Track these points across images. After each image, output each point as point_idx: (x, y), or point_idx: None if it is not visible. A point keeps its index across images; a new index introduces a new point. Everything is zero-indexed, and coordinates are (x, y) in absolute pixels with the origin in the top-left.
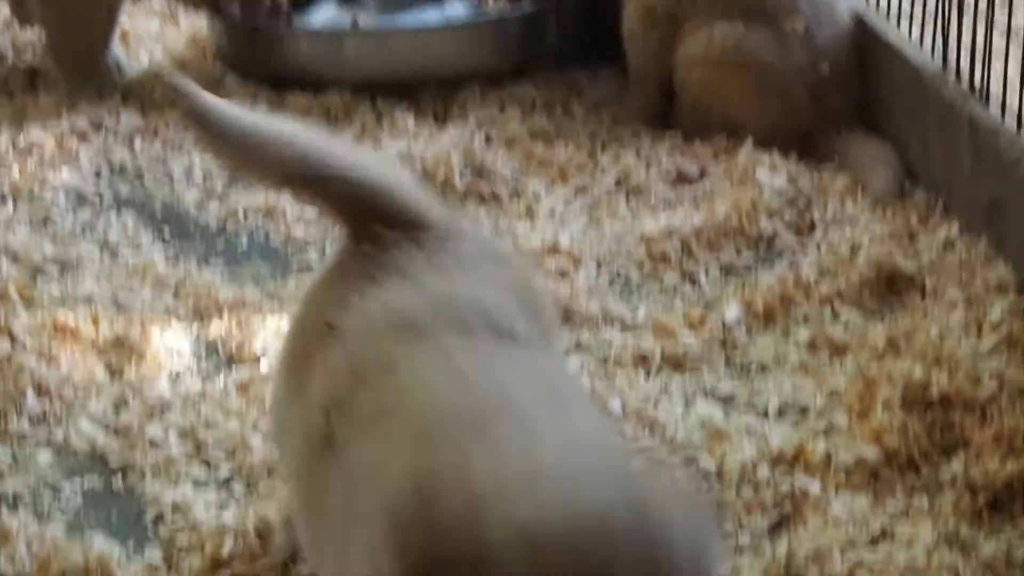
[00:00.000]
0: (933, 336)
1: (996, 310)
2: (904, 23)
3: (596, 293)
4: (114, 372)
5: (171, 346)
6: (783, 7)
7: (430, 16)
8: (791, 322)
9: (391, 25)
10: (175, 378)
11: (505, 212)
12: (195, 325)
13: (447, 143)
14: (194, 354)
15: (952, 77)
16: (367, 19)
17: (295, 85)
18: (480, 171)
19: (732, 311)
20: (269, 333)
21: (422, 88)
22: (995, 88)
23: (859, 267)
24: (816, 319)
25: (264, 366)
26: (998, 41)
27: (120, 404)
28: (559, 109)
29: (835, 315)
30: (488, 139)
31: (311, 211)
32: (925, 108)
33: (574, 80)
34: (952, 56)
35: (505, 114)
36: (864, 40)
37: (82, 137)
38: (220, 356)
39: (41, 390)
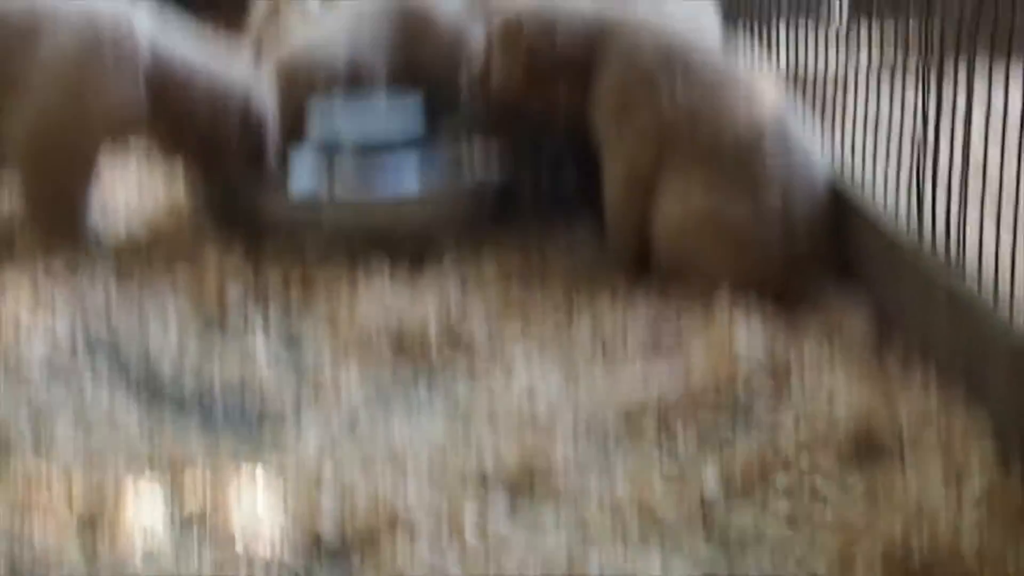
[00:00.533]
0: (912, 504)
1: (976, 478)
2: (879, 192)
3: (572, 460)
4: (87, 551)
5: (146, 523)
6: (760, 176)
7: (406, 169)
8: (770, 492)
9: (368, 194)
10: (150, 557)
11: (481, 363)
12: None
13: (423, 291)
14: (169, 531)
15: (928, 247)
16: (345, 168)
17: (272, 240)
18: (455, 321)
19: (710, 480)
20: (245, 508)
21: (399, 242)
22: (971, 256)
23: (838, 433)
24: (795, 488)
25: (239, 547)
26: (973, 211)
27: None
28: (535, 255)
29: (813, 484)
30: (464, 284)
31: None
32: (902, 278)
33: (551, 224)
34: (927, 226)
35: (483, 261)
36: (839, 209)
37: (58, 281)
38: (195, 534)
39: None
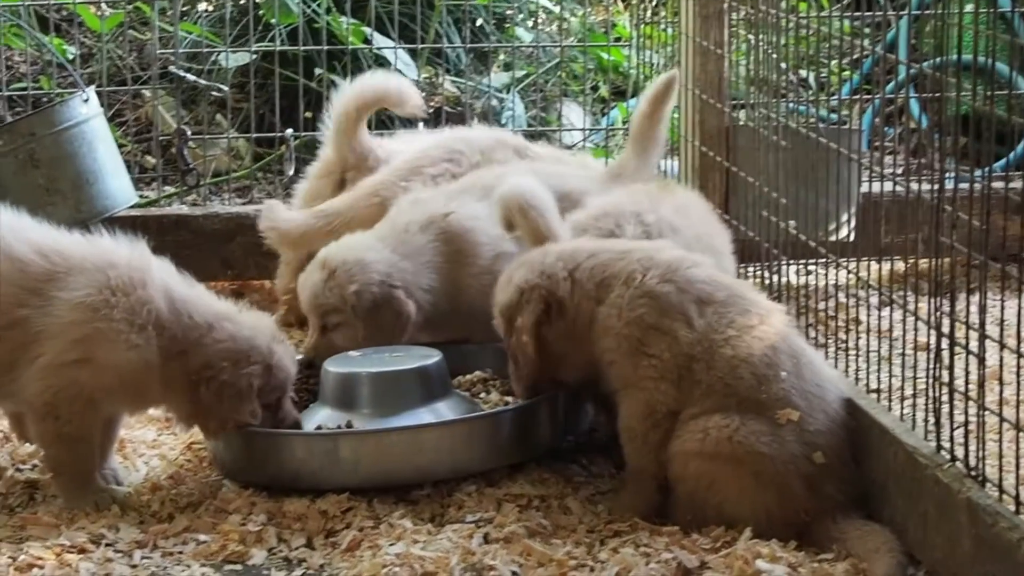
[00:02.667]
0: None
1: None
2: (896, 405)
3: None
4: None
5: None
6: (776, 398)
7: (424, 415)
8: None
9: (387, 426)
10: None
11: None
12: None
13: (446, 544)
14: None
15: (947, 459)
16: (362, 420)
17: (292, 491)
18: (480, 572)
19: None
20: None
21: (418, 490)
22: (991, 468)
23: None
24: None
25: None
26: (991, 419)
27: None
28: (555, 505)
29: None
30: (486, 539)
31: None
32: (922, 491)
33: (569, 473)
34: (946, 437)
35: (502, 512)
36: (857, 424)
37: (82, 552)
38: None
39: None
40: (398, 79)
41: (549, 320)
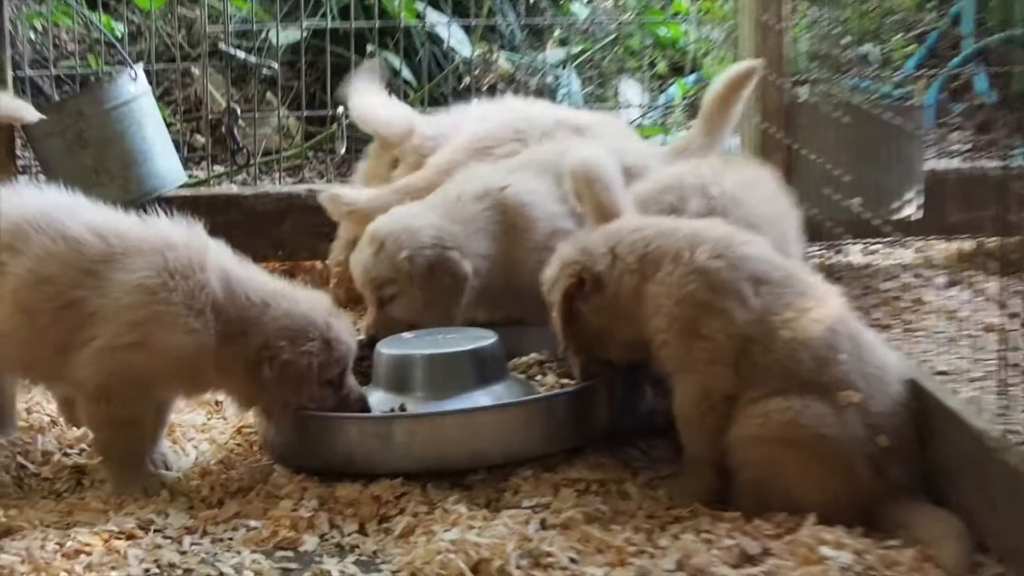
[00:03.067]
0: None
1: None
2: (963, 387)
3: None
4: None
5: None
6: (837, 380)
7: (480, 398)
8: None
9: (441, 409)
10: None
11: None
12: None
13: (502, 530)
14: None
15: (1016, 442)
16: (416, 403)
17: (344, 476)
18: (536, 559)
19: None
20: None
21: (473, 474)
22: None
23: None
24: None
25: None
26: None
27: None
28: (614, 489)
29: None
30: (543, 525)
31: None
32: (990, 476)
33: (628, 458)
34: (1015, 420)
35: (559, 498)
36: (922, 407)
37: (131, 538)
38: None
39: None
40: None
41: (584, 295)
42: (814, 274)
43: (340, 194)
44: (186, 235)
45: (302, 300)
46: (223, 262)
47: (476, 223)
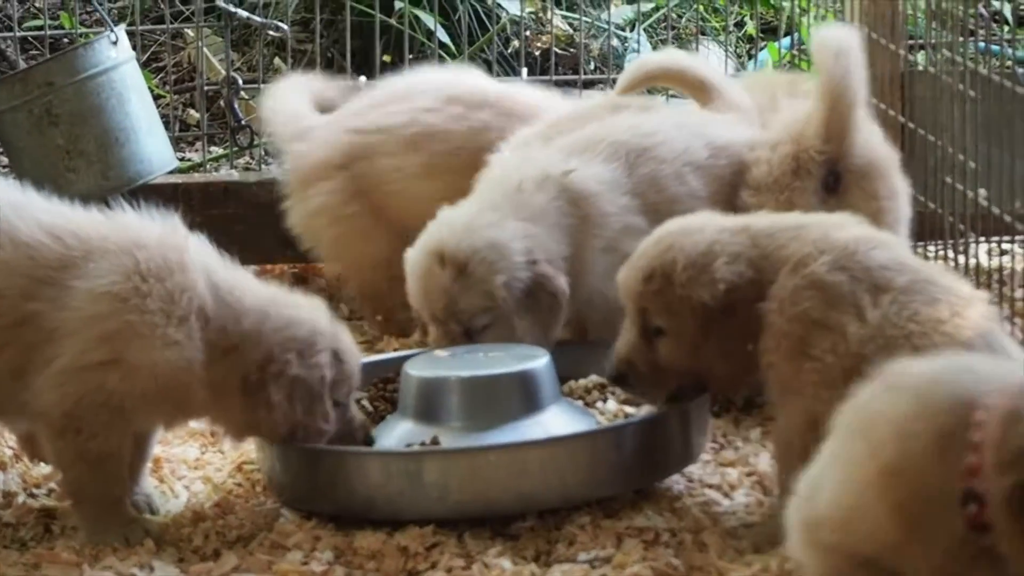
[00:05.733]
0: None
1: None
2: None
3: None
4: None
5: None
6: None
7: (528, 429)
8: None
9: (481, 442)
10: None
11: None
12: None
13: None
14: None
15: None
16: (451, 435)
17: (365, 523)
18: None
19: None
20: None
21: (520, 521)
22: None
23: None
24: None
25: None
26: None
27: None
28: (689, 540)
29: None
30: None
31: None
32: None
33: (707, 501)
34: None
35: (623, 550)
36: None
37: None
38: None
39: None
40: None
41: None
42: (955, 278)
43: None
44: (160, 231)
45: (303, 306)
46: (207, 262)
47: (548, 218)
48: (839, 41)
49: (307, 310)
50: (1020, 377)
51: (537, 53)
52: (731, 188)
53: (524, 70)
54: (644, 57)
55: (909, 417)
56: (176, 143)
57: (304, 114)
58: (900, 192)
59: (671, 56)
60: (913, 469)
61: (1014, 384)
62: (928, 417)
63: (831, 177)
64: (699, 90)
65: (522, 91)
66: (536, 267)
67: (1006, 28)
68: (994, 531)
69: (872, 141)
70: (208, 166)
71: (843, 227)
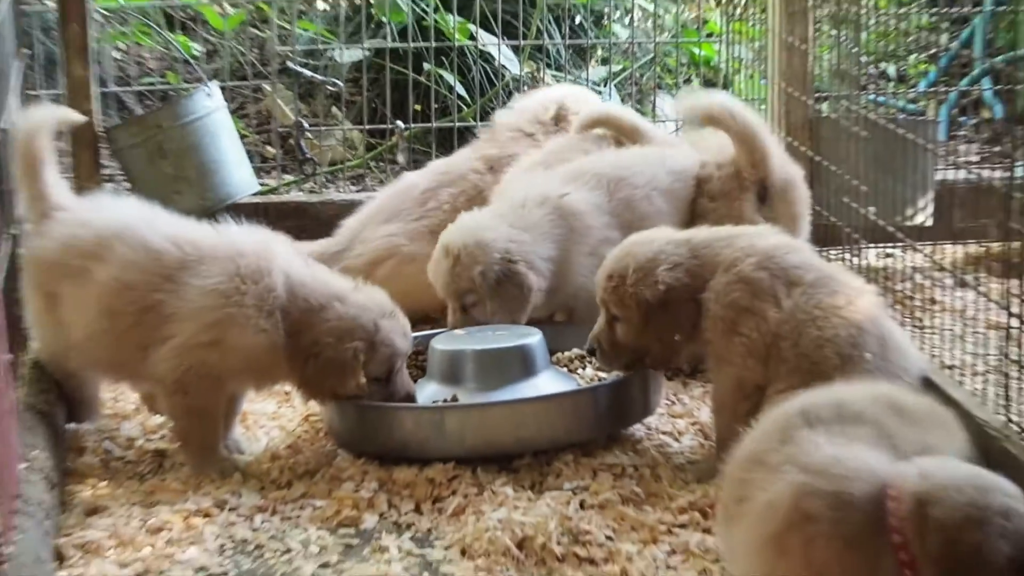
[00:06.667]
0: None
1: None
2: (968, 380)
3: None
4: None
5: None
6: (859, 378)
7: (525, 389)
8: None
9: (489, 399)
10: None
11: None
12: None
13: (544, 510)
14: None
15: (1016, 431)
16: (467, 394)
17: (401, 460)
18: (576, 536)
19: None
20: None
21: (519, 459)
22: None
23: None
24: None
25: None
26: None
27: None
28: (648, 473)
29: None
30: (582, 505)
31: None
32: (991, 462)
33: (661, 444)
34: (1015, 411)
35: (597, 481)
36: (932, 398)
37: (207, 516)
38: None
39: None
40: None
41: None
42: (851, 275)
43: None
44: (255, 242)
45: (355, 303)
46: (288, 266)
47: (540, 228)
48: (719, 106)
49: (356, 307)
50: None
51: None
52: (687, 203)
53: None
54: (592, 107)
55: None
56: (257, 172)
57: None
58: (806, 199)
59: (612, 107)
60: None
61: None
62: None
63: (762, 191)
64: (631, 132)
65: None
66: (510, 264)
67: (890, 84)
68: None
69: (786, 166)
70: (281, 189)
71: (765, 236)
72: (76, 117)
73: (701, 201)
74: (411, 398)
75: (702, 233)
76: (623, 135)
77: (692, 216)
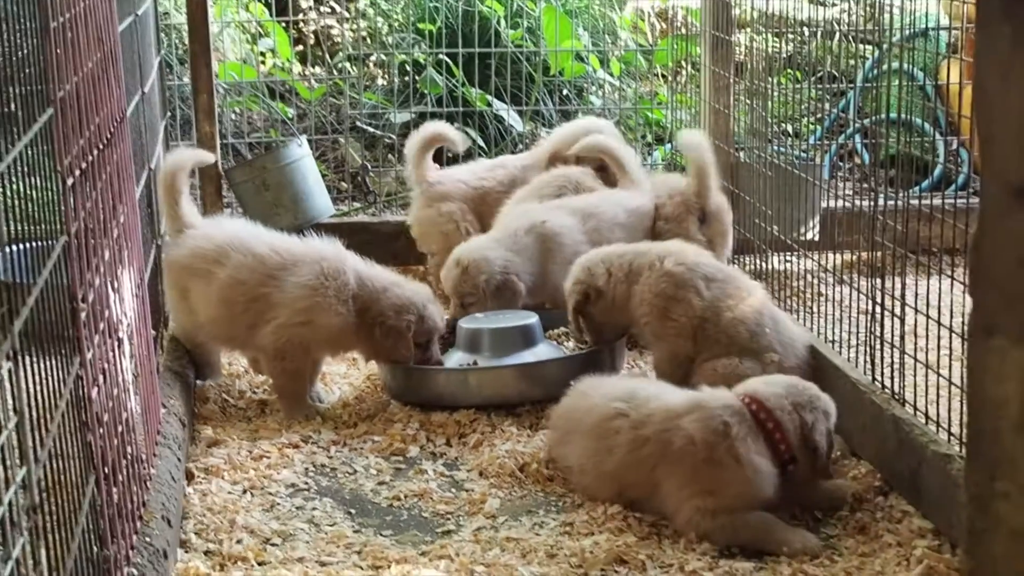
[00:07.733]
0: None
1: (918, 550)
2: (845, 351)
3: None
4: None
5: None
6: (764, 346)
7: (527, 356)
8: None
9: (500, 363)
10: None
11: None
12: None
13: (538, 443)
14: None
15: (879, 387)
16: (484, 360)
17: (437, 408)
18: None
19: None
20: None
21: (522, 407)
22: (909, 394)
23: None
24: None
25: None
26: (909, 361)
27: None
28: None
29: None
30: None
31: (449, 495)
32: (861, 409)
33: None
34: (879, 373)
35: None
36: (818, 363)
37: (296, 447)
38: None
39: None
40: (445, 125)
41: (591, 303)
42: (745, 275)
43: None
44: (333, 249)
45: (409, 288)
46: (356, 265)
47: (527, 252)
48: (696, 140)
49: (410, 291)
50: None
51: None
52: (640, 232)
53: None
54: (592, 137)
55: None
56: (334, 201)
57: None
58: (730, 220)
59: (611, 141)
60: None
61: None
62: None
63: (702, 215)
64: (619, 166)
65: None
66: (506, 276)
67: (789, 139)
68: None
69: (718, 196)
70: (351, 214)
71: (681, 247)
72: (206, 158)
73: (659, 223)
74: (440, 363)
75: (631, 247)
76: (612, 166)
77: (652, 234)
